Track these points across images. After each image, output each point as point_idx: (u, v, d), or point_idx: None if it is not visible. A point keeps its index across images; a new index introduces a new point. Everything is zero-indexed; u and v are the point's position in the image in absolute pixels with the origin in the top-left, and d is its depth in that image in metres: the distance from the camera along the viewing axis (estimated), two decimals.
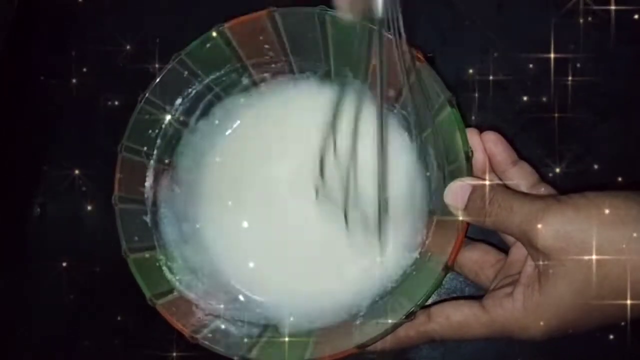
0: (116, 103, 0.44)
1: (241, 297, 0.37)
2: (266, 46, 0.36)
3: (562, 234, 0.27)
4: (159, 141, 0.36)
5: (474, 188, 0.30)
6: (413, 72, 0.32)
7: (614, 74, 0.42)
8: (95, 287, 0.43)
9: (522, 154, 0.34)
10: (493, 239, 0.36)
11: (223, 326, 0.33)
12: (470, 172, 0.31)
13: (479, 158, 0.33)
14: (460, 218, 0.30)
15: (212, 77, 0.37)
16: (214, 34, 0.34)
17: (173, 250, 0.36)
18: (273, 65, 0.38)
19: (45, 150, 0.45)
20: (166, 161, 0.37)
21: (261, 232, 0.38)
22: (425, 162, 0.36)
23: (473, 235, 0.38)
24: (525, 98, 0.43)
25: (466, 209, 0.30)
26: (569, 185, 0.40)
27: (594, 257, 0.26)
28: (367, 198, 0.36)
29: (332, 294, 0.36)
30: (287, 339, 0.33)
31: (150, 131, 0.36)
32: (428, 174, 0.36)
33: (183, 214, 0.38)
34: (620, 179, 0.41)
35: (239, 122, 0.40)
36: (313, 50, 0.36)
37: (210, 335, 0.32)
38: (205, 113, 0.39)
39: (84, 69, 0.45)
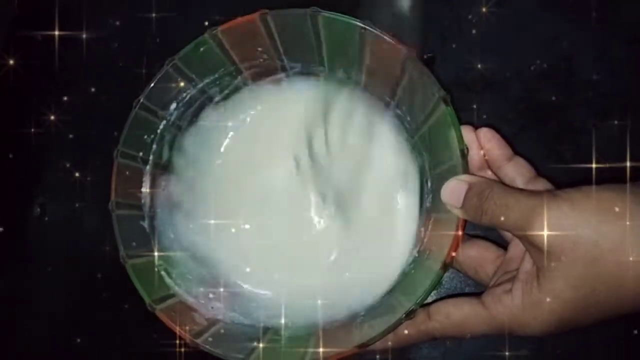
0: (116, 104, 0.44)
1: (241, 300, 0.37)
2: (259, 49, 0.36)
3: (558, 230, 0.27)
4: (154, 146, 0.36)
5: (470, 186, 0.30)
6: (407, 71, 0.32)
7: (614, 74, 0.42)
8: (95, 287, 0.43)
9: (522, 154, 0.34)
10: (492, 235, 0.36)
11: (223, 330, 0.33)
12: (466, 170, 0.31)
13: (474, 155, 0.33)
14: (458, 216, 0.30)
15: (206, 80, 0.37)
16: (207, 37, 0.34)
17: (171, 255, 0.36)
18: (267, 68, 0.38)
19: (45, 151, 0.45)
20: (162, 166, 0.37)
21: (260, 234, 0.38)
22: (421, 160, 0.36)
23: (472, 232, 0.38)
24: (525, 98, 0.43)
25: (463, 207, 0.30)
26: (568, 186, 0.40)
27: (590, 252, 0.26)
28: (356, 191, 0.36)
29: (331, 294, 0.36)
30: (287, 341, 0.33)
31: (145, 136, 0.36)
32: (424, 172, 0.36)
33: (181, 218, 0.38)
34: (619, 179, 0.41)
35: (234, 124, 0.40)
36: (306, 52, 0.36)
37: (210, 339, 0.32)
38: (200, 117, 0.39)
39: (84, 69, 0.45)
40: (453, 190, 0.30)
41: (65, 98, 0.45)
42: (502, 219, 0.29)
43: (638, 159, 0.41)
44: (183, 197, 0.38)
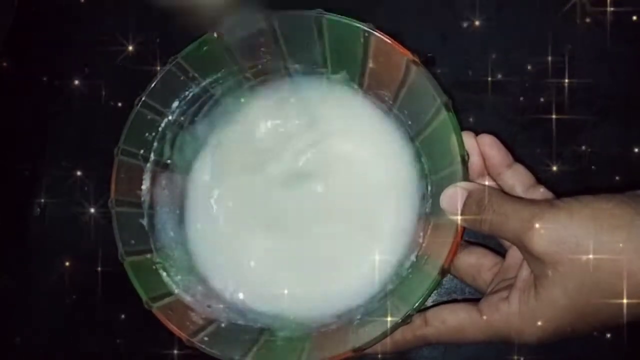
0: (117, 103, 0.44)
1: (238, 300, 0.37)
2: (263, 49, 0.36)
3: (555, 239, 0.27)
4: (155, 144, 0.36)
5: (470, 193, 0.30)
6: (409, 75, 0.32)
7: (613, 74, 0.42)
8: (95, 287, 0.42)
9: (522, 154, 0.34)
10: (490, 242, 0.36)
11: (219, 330, 0.33)
12: (466, 176, 0.31)
13: (475, 161, 0.33)
14: (456, 223, 0.30)
15: (209, 79, 0.37)
16: (211, 36, 0.34)
17: (170, 253, 0.36)
18: (270, 68, 0.38)
19: (45, 150, 0.45)
20: (163, 164, 0.37)
21: (259, 235, 0.38)
22: (421, 165, 0.36)
23: (470, 239, 0.38)
24: (524, 98, 0.43)
25: (461, 214, 0.30)
26: (568, 186, 0.40)
27: (588, 261, 0.26)
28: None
29: (328, 297, 0.36)
30: (283, 342, 0.33)
31: (147, 134, 0.36)
32: (424, 176, 0.36)
33: (180, 216, 0.38)
34: (619, 179, 0.41)
35: (236, 124, 0.40)
36: (310, 53, 0.36)
37: (206, 338, 0.32)
38: (202, 115, 0.39)
39: (84, 70, 0.45)
40: (452, 198, 0.30)
41: (65, 97, 0.46)
42: (500, 227, 0.29)
43: (638, 158, 0.41)
44: (182, 196, 0.38)
